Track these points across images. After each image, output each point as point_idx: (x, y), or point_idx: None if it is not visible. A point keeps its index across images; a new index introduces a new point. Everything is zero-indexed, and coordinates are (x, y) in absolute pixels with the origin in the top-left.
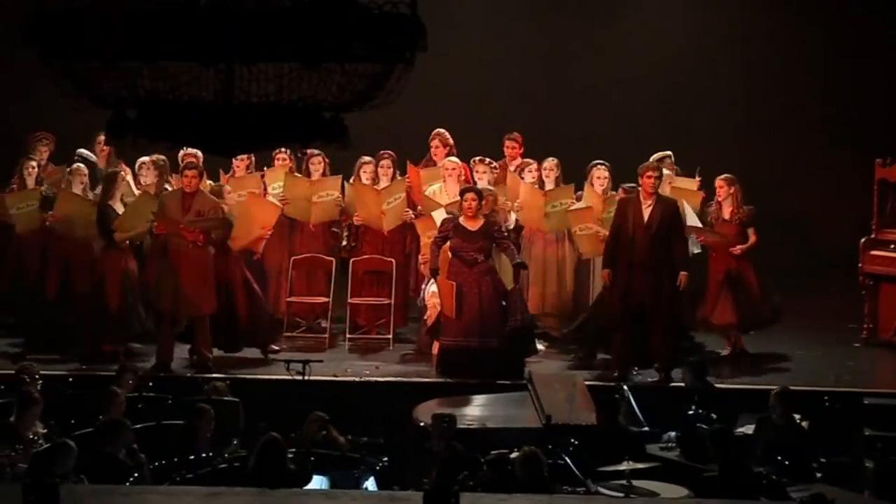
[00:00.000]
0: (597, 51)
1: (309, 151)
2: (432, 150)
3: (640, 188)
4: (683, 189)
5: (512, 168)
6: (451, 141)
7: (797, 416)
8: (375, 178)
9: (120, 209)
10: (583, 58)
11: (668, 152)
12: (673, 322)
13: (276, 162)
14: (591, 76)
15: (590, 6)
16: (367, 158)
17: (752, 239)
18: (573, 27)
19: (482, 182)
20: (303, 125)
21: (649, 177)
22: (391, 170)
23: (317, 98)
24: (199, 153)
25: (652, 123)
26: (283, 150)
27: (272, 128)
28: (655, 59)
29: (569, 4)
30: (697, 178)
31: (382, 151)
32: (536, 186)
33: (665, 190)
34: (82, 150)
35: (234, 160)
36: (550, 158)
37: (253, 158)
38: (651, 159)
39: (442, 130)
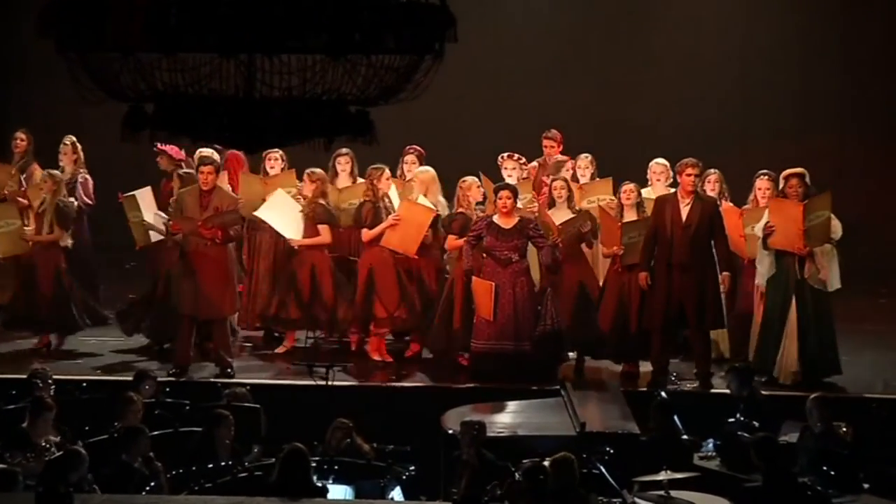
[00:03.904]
0: (637, 43)
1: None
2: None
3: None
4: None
5: None
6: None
7: (843, 424)
8: (402, 175)
9: None
10: (621, 50)
11: (801, 170)
12: (716, 325)
13: (267, 164)
14: (632, 69)
15: None
16: (343, 150)
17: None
18: (610, 17)
19: (510, 179)
20: (327, 119)
21: (689, 175)
22: (416, 165)
23: (342, 91)
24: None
25: (691, 121)
26: (275, 150)
27: (295, 122)
28: (699, 52)
29: None
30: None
31: (408, 146)
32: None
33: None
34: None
35: (267, 159)
36: (584, 155)
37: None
38: (782, 175)
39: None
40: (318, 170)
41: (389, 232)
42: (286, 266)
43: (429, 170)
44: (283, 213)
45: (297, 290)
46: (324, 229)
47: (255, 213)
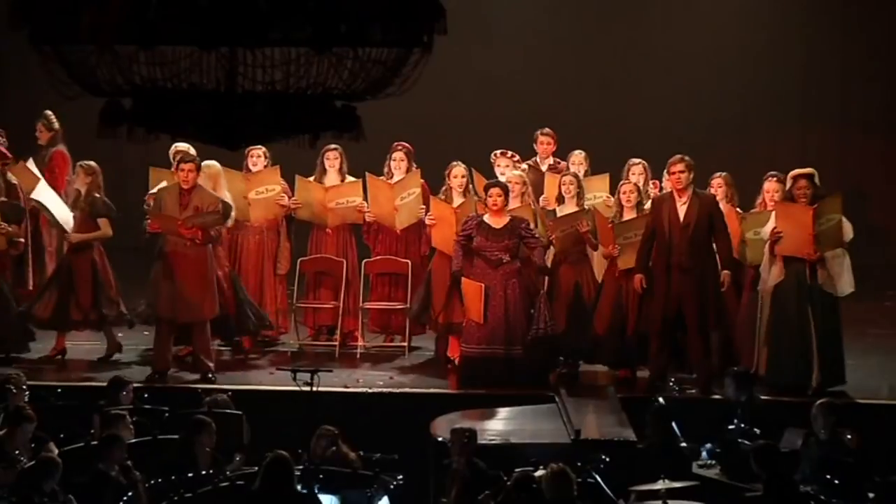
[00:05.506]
0: (635, 40)
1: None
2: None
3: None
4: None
5: (544, 167)
6: None
7: (848, 431)
8: (389, 172)
9: None
10: (617, 47)
11: (811, 170)
12: (717, 329)
13: (249, 161)
14: (627, 67)
15: None
16: (331, 146)
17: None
18: (607, 13)
19: (504, 178)
20: (312, 115)
21: (673, 172)
22: (404, 162)
23: (327, 86)
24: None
25: (686, 118)
26: (258, 147)
27: (279, 118)
28: (692, 50)
29: None
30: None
31: (396, 143)
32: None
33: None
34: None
35: (250, 156)
36: (578, 151)
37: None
38: (790, 175)
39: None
40: (92, 162)
41: (434, 233)
42: (62, 263)
43: (214, 164)
44: (57, 202)
45: (77, 288)
46: (104, 223)
47: (32, 195)
